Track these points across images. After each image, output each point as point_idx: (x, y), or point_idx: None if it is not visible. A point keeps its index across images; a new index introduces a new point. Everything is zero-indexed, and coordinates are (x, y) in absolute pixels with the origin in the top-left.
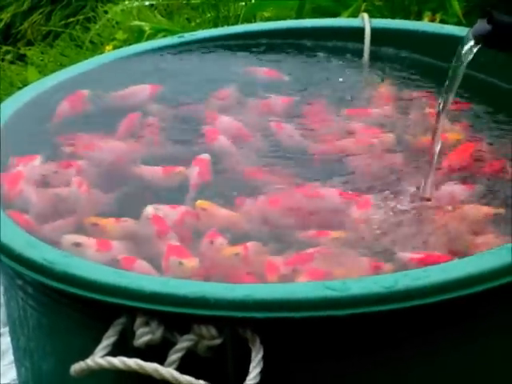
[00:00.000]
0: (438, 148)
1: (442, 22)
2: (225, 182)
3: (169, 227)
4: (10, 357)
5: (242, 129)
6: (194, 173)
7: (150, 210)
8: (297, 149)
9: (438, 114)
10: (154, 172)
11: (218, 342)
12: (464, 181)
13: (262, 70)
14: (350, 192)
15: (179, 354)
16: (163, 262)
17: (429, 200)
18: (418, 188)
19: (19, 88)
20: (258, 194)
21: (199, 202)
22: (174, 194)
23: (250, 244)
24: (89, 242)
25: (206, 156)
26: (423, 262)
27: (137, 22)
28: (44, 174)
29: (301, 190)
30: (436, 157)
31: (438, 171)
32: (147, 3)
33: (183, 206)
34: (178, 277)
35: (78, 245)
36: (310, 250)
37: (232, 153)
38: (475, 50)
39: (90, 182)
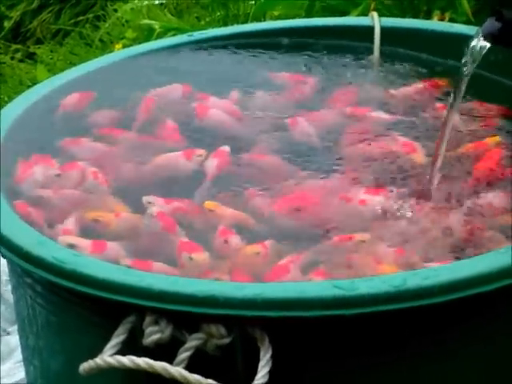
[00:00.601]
0: (445, 144)
1: (452, 20)
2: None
3: (175, 223)
4: (18, 356)
5: (234, 109)
6: (211, 165)
7: (154, 208)
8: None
9: (448, 112)
10: (175, 157)
11: (226, 340)
12: (502, 189)
13: (285, 75)
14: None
15: (188, 353)
16: (178, 259)
17: (429, 192)
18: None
19: (28, 86)
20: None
21: (207, 203)
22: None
23: (267, 242)
24: (83, 243)
25: (225, 148)
26: None
27: (146, 21)
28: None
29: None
30: (443, 150)
31: (472, 181)
32: (157, 2)
33: (177, 201)
34: (192, 272)
35: (71, 246)
36: (286, 260)
37: (228, 124)
38: (485, 49)
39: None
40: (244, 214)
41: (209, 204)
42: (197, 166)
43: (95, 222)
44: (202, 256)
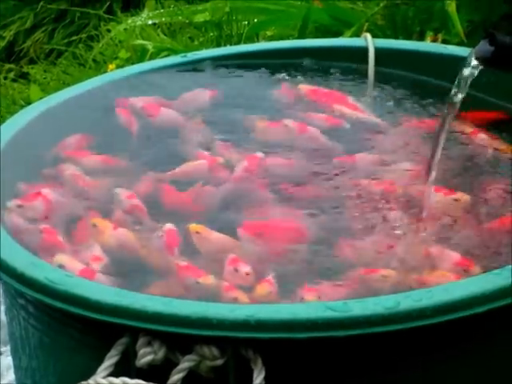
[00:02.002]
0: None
1: (445, 42)
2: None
3: (177, 244)
4: (10, 376)
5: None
6: (238, 168)
7: (167, 224)
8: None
9: (438, 133)
10: (199, 165)
11: (220, 362)
12: None
13: (321, 116)
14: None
15: (181, 375)
16: (179, 283)
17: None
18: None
19: (22, 106)
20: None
21: (192, 226)
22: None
23: (270, 278)
24: (73, 266)
25: (259, 154)
26: None
27: (140, 41)
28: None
29: None
30: (433, 174)
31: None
32: (150, 22)
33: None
34: (202, 296)
35: (60, 266)
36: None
37: (183, 125)
38: (478, 71)
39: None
40: (229, 238)
41: (195, 227)
42: (219, 173)
43: (93, 226)
44: (208, 280)
